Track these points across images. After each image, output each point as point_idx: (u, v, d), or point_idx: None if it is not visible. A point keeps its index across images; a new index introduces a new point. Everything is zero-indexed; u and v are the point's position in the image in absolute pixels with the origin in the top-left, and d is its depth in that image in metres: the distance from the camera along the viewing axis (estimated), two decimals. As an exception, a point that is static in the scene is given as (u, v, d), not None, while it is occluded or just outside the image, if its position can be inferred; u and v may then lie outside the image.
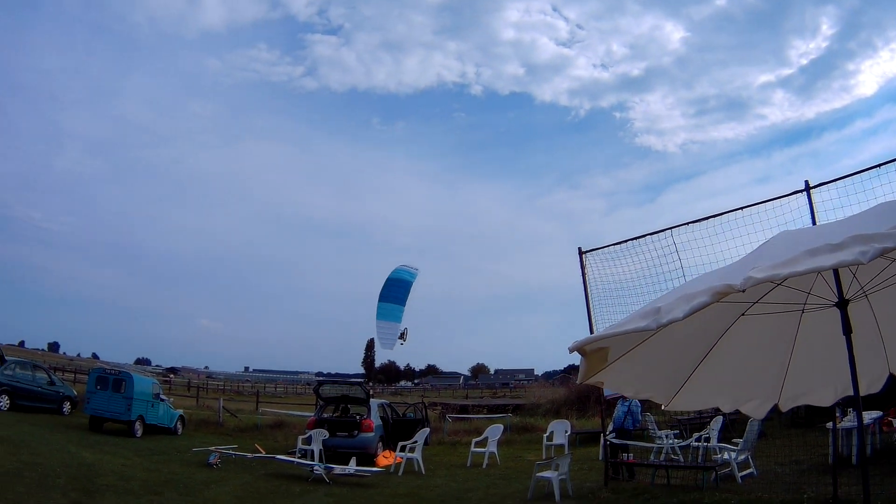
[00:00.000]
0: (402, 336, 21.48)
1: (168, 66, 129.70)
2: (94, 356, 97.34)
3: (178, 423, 19.97)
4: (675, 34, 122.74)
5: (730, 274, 3.85)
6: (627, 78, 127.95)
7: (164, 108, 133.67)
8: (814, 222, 7.89)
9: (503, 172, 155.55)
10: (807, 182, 8.22)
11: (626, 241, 10.74)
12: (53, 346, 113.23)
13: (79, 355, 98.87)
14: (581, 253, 11.53)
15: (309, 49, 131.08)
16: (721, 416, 13.28)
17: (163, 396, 19.68)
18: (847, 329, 4.30)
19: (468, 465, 15.21)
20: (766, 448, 12.15)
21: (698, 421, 16.22)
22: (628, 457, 11.63)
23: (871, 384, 5.19)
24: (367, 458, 15.13)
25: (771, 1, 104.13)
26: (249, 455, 13.84)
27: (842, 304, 4.41)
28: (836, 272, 4.34)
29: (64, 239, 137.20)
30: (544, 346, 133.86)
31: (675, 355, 5.37)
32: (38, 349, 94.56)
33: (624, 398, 12.22)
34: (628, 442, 12.07)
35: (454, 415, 26.92)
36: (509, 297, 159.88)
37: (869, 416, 10.68)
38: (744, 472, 10.37)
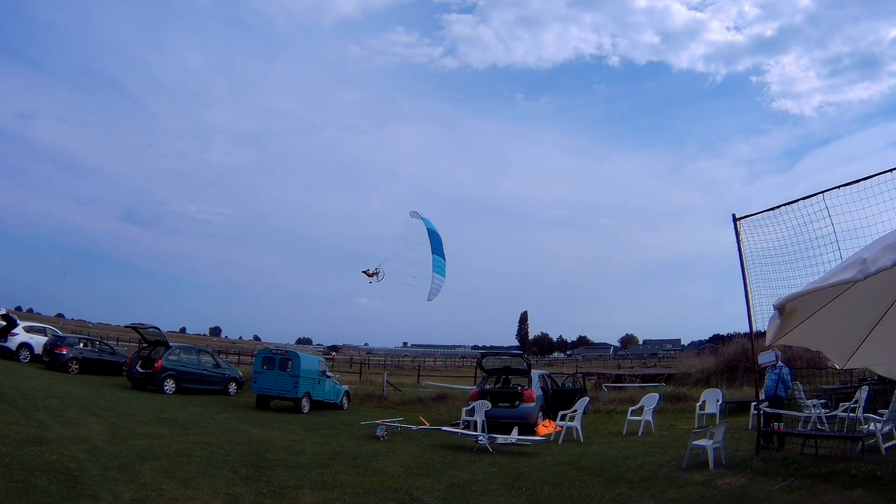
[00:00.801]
0: (375, 274, 21.27)
1: (310, 56, 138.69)
2: (256, 338, 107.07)
3: (344, 398, 21.51)
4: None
5: None
6: (761, 39, 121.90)
7: (310, 96, 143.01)
8: None
9: (646, 143, 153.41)
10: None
11: (778, 206, 10.56)
12: (215, 331, 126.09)
13: (240, 338, 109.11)
14: (735, 220, 11.47)
15: (446, 29, 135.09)
16: (867, 386, 12.97)
17: (329, 373, 21.30)
18: None
19: (624, 432, 15.58)
20: (909, 419, 11.84)
21: (844, 391, 15.83)
22: (779, 426, 11.71)
23: None
24: (529, 427, 15.86)
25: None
26: (415, 427, 14.90)
27: None
28: None
29: (220, 229, 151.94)
30: (690, 316, 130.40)
31: (853, 317, 5.61)
32: (199, 334, 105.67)
33: (774, 366, 12.29)
34: (782, 411, 12.13)
35: (610, 384, 27.25)
36: (656, 267, 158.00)
37: None
38: (888, 444, 10.34)
